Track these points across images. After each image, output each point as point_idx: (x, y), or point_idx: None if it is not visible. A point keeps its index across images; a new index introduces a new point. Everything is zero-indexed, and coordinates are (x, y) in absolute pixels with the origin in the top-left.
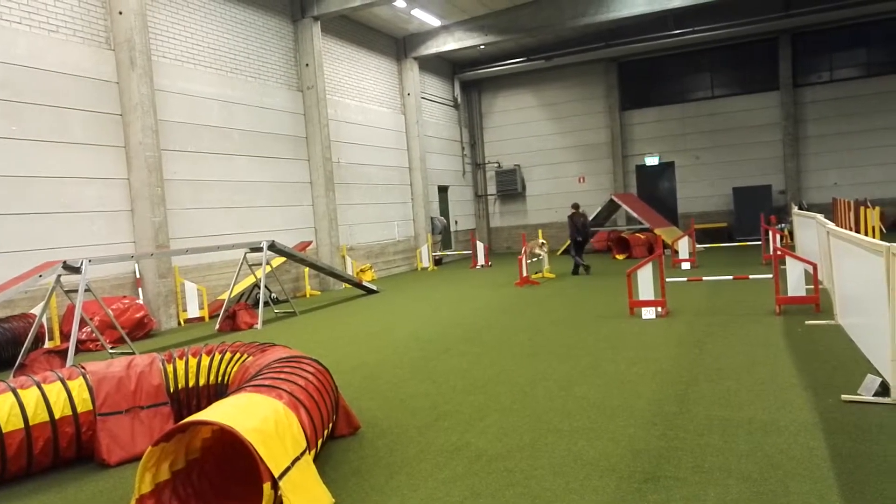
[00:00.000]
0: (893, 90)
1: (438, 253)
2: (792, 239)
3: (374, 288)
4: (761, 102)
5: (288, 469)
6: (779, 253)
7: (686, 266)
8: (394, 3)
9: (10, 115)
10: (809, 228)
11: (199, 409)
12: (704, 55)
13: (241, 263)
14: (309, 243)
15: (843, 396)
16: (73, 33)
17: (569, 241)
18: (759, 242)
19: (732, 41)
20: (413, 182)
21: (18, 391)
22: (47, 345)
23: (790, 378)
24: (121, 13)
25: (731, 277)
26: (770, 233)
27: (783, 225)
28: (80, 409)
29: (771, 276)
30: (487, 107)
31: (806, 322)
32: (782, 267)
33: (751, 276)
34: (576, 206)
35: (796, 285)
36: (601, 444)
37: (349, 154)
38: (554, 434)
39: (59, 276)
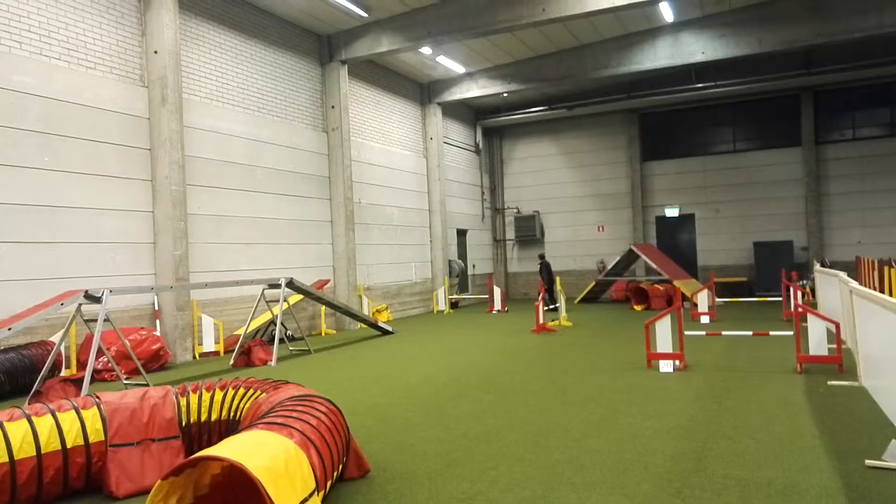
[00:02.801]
0: None
1: (455, 296)
2: (814, 296)
3: (390, 329)
4: (783, 158)
5: None
6: (800, 310)
7: (705, 319)
8: (420, 50)
9: (43, 147)
10: (832, 286)
11: (210, 444)
12: (727, 109)
13: (259, 299)
14: (326, 282)
15: (867, 462)
16: (109, 70)
17: (587, 290)
18: (780, 298)
19: (755, 96)
20: (432, 224)
21: (33, 418)
22: (64, 373)
23: (811, 440)
24: (156, 52)
25: (750, 333)
26: (791, 289)
27: (805, 282)
28: (92, 440)
29: (792, 333)
30: (508, 153)
31: (828, 382)
32: (804, 324)
33: (771, 333)
34: (542, 256)
35: (818, 344)
36: (615, 499)
37: (370, 195)
38: (566, 487)
39: (80, 304)
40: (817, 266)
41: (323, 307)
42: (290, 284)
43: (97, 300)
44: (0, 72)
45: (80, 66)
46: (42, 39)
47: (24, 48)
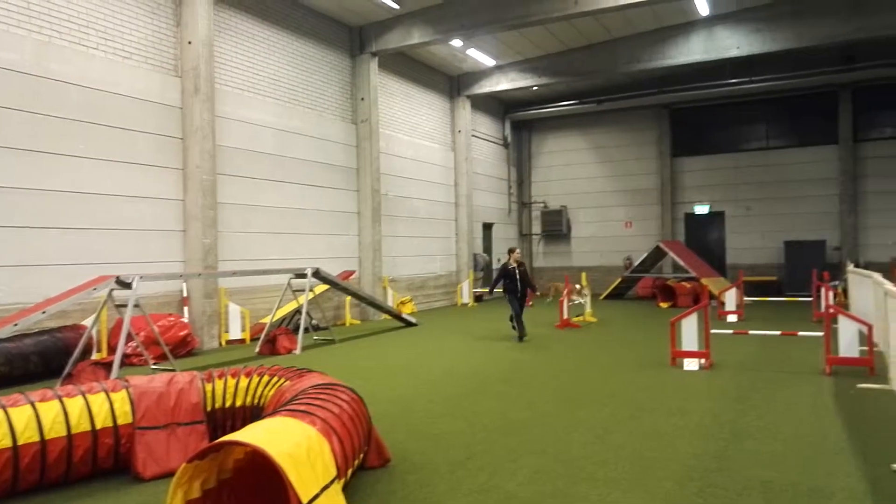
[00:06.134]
0: None
1: (479, 290)
2: (846, 297)
3: (414, 321)
4: (818, 156)
5: (317, 496)
6: (831, 311)
7: (732, 318)
8: (450, 43)
9: (79, 135)
10: (865, 287)
11: (233, 429)
12: (761, 105)
13: (285, 289)
14: (352, 272)
15: None
16: (144, 60)
17: (612, 286)
18: (810, 299)
19: (790, 93)
20: (458, 218)
21: (64, 400)
22: (94, 356)
23: (839, 442)
24: (190, 43)
25: (778, 333)
26: (822, 289)
27: (837, 282)
28: (120, 422)
29: (822, 334)
30: (537, 147)
31: (858, 385)
32: (834, 325)
33: (800, 333)
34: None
35: (849, 346)
36: (636, 496)
37: (397, 187)
38: (587, 482)
39: (112, 290)
40: (850, 266)
41: (348, 297)
42: (317, 274)
43: (128, 286)
44: (41, 61)
45: (116, 56)
46: (80, 29)
47: (63, 38)
